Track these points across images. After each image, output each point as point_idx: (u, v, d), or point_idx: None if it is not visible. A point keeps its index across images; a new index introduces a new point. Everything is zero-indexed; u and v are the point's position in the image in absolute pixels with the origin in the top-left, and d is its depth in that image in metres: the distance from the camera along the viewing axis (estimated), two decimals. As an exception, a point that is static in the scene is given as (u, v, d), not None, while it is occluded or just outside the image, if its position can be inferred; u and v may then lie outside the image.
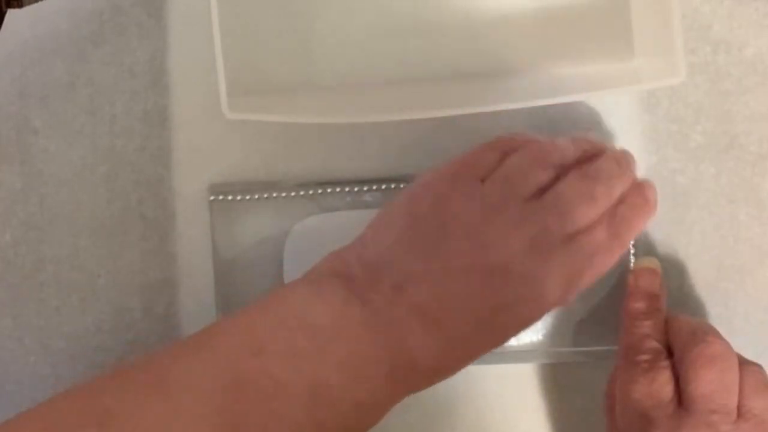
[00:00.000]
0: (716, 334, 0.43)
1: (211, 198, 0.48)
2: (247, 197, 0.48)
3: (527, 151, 0.42)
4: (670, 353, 0.44)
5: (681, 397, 0.41)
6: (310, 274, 0.42)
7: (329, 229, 0.48)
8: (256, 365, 0.38)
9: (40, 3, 0.49)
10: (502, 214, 0.40)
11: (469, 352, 0.40)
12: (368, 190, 0.48)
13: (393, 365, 0.39)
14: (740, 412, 0.41)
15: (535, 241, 0.39)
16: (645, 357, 0.43)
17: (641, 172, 0.49)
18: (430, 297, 0.39)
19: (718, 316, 0.49)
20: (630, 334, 0.45)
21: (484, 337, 0.40)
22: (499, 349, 0.41)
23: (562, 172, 0.42)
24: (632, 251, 0.48)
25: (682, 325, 0.44)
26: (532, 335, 0.49)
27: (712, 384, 0.41)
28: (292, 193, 0.48)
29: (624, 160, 0.44)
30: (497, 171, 0.42)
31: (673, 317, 0.45)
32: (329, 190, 0.48)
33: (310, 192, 0.48)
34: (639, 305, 0.45)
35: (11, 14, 0.49)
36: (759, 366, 0.43)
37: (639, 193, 0.43)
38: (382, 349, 0.39)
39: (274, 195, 0.48)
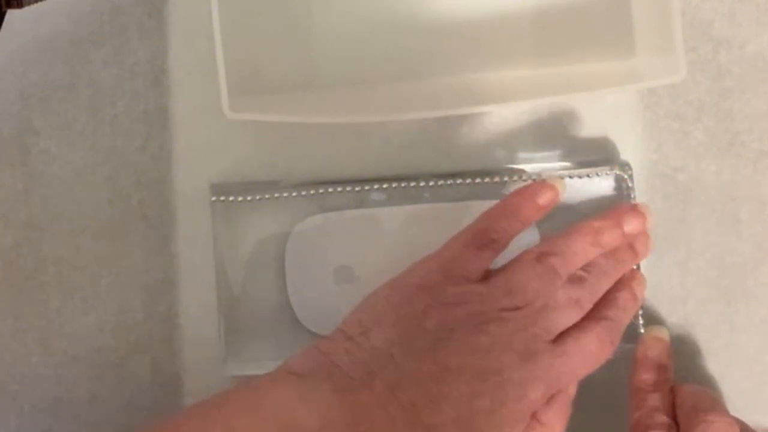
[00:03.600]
0: (717, 411, 0.43)
1: (213, 199, 0.48)
2: (248, 197, 0.48)
3: (536, 268, 0.42)
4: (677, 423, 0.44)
5: None
6: (293, 367, 0.41)
7: (330, 229, 0.48)
8: None
9: (40, 3, 0.49)
10: (498, 323, 0.40)
11: None
12: (369, 190, 0.48)
13: None
14: None
15: (524, 349, 0.40)
16: None
17: (642, 170, 0.49)
18: (422, 397, 0.39)
19: (719, 313, 0.49)
20: (639, 408, 0.45)
21: None
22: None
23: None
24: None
25: (685, 399, 0.44)
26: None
27: None
28: (293, 193, 0.48)
29: (635, 241, 0.45)
30: (499, 280, 0.42)
31: (677, 387, 0.45)
32: (330, 190, 0.48)
33: (311, 192, 0.48)
34: (647, 377, 0.45)
35: (11, 14, 0.49)
36: None
37: (626, 287, 0.44)
38: None
39: (275, 195, 0.48)
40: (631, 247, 0.45)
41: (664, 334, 0.47)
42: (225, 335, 0.48)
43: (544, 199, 0.44)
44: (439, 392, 0.39)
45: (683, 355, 0.49)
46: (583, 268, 0.43)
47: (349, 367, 0.40)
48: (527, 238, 0.47)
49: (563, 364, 0.41)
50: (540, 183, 0.45)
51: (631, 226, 0.45)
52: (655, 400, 0.45)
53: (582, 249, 0.43)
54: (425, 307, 0.41)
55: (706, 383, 0.49)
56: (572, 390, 0.43)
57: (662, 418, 0.44)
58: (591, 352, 0.42)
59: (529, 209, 0.44)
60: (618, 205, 0.46)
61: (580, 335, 0.42)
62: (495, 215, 0.44)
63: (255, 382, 0.41)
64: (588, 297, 0.43)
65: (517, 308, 0.41)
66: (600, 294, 0.43)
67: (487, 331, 0.40)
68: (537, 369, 0.40)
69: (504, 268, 0.43)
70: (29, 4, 0.50)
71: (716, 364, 0.49)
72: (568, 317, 0.42)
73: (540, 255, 0.43)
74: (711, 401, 0.44)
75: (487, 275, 0.43)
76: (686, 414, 0.43)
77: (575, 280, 0.42)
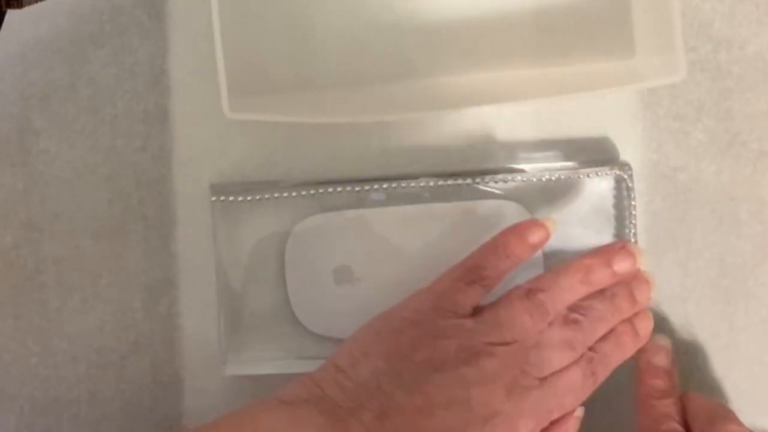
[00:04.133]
0: (733, 421, 0.43)
1: (213, 199, 0.48)
2: (248, 197, 0.48)
3: (525, 303, 0.43)
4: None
5: None
6: (284, 395, 0.42)
7: (330, 229, 0.48)
8: None
9: (40, 3, 0.49)
10: (487, 357, 0.41)
11: None
12: (369, 190, 0.48)
13: None
14: None
15: (513, 384, 0.41)
16: None
17: (642, 170, 0.49)
18: (409, 428, 0.40)
19: (719, 313, 0.49)
20: (648, 415, 0.45)
21: None
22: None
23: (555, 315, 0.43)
24: None
25: (698, 409, 0.44)
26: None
27: None
28: (293, 193, 0.48)
29: (636, 290, 0.45)
30: (488, 315, 0.43)
31: (690, 397, 0.45)
32: (330, 190, 0.48)
33: (311, 192, 0.48)
34: (656, 382, 0.46)
35: (11, 14, 0.49)
36: None
37: (629, 329, 0.45)
38: None
39: (275, 195, 0.48)
40: (631, 295, 0.45)
41: (665, 342, 0.47)
42: (225, 335, 0.48)
43: (534, 237, 0.45)
44: (426, 424, 0.40)
45: (683, 355, 0.49)
46: (579, 312, 0.43)
47: (339, 397, 0.41)
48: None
49: (551, 397, 0.42)
50: (531, 221, 0.46)
51: (620, 265, 0.45)
52: (665, 406, 0.45)
53: (571, 286, 0.44)
54: (415, 340, 0.42)
55: (706, 383, 0.49)
56: (572, 427, 0.43)
57: (673, 425, 0.44)
58: (576, 383, 0.42)
59: (519, 247, 0.45)
60: (609, 243, 0.47)
61: (565, 370, 0.42)
62: (486, 252, 0.45)
63: (248, 408, 0.41)
64: (581, 340, 0.43)
65: (506, 343, 0.42)
66: (594, 339, 0.44)
67: (475, 365, 0.41)
68: (526, 404, 0.41)
69: (493, 304, 0.43)
70: (29, 4, 0.50)
71: (716, 364, 0.49)
72: (560, 358, 0.42)
73: (529, 291, 0.43)
74: (725, 411, 0.44)
75: (478, 310, 0.43)
76: (702, 422, 0.43)
77: (570, 322, 0.43)
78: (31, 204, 0.49)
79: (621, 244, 0.46)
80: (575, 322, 0.43)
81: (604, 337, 0.44)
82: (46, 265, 0.49)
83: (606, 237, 0.49)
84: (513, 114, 0.49)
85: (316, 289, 0.48)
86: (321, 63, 0.48)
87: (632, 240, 0.48)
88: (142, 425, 0.49)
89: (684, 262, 0.49)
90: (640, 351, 0.47)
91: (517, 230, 0.45)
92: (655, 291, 0.46)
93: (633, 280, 0.45)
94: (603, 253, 0.46)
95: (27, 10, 0.49)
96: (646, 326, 0.45)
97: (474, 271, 0.44)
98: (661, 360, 0.46)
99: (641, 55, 0.47)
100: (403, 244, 0.48)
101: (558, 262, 0.48)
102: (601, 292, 0.45)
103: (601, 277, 0.45)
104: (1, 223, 0.49)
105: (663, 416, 0.44)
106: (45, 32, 0.49)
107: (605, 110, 0.49)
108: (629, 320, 0.45)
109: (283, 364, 0.48)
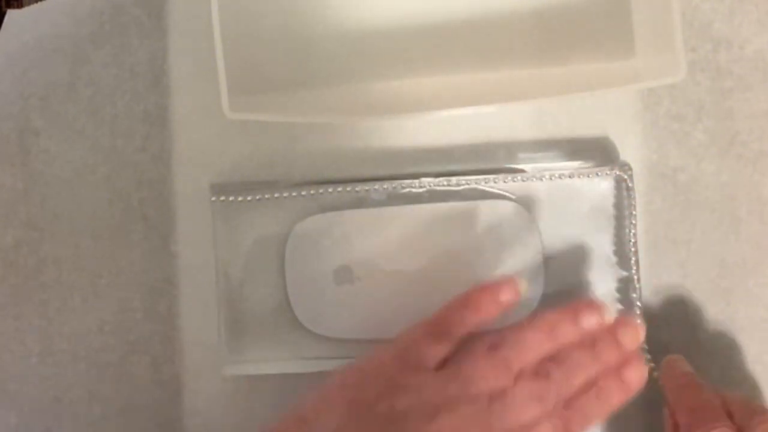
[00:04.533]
0: None
1: (213, 199, 0.48)
2: (248, 197, 0.48)
3: (488, 358, 0.42)
4: None
5: None
6: None
7: (330, 229, 0.48)
8: None
9: (40, 3, 0.49)
10: (447, 412, 0.40)
11: None
12: (369, 190, 0.48)
13: None
14: None
15: None
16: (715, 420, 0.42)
17: (642, 170, 0.49)
18: None
19: (719, 313, 0.49)
20: (692, 411, 0.44)
21: None
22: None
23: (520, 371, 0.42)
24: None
25: (736, 404, 0.43)
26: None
27: None
28: (293, 193, 0.48)
29: (622, 335, 0.43)
30: (452, 369, 0.42)
31: (724, 394, 0.45)
32: (330, 190, 0.48)
33: (311, 192, 0.48)
34: (689, 380, 0.45)
35: (11, 15, 0.49)
36: None
37: (614, 378, 0.42)
38: None
39: (275, 195, 0.48)
40: (614, 341, 0.43)
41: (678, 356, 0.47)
42: (225, 335, 0.48)
43: (505, 296, 0.44)
44: None
45: (683, 355, 0.49)
46: (555, 361, 0.42)
47: None
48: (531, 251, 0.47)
49: None
50: (504, 281, 0.44)
51: (587, 321, 0.43)
52: (711, 399, 0.44)
53: (535, 343, 0.42)
54: (378, 393, 0.41)
55: (707, 383, 0.49)
56: None
57: (726, 421, 0.43)
58: None
59: (489, 305, 0.44)
60: (577, 300, 0.45)
61: (535, 425, 0.41)
62: (455, 307, 0.44)
63: None
64: (554, 392, 0.41)
65: (468, 397, 0.41)
66: (570, 390, 0.42)
67: (437, 420, 0.40)
68: None
69: (457, 358, 0.42)
70: (29, 4, 0.50)
71: (716, 364, 0.49)
72: (527, 413, 0.41)
73: (492, 346, 0.42)
74: (761, 407, 0.44)
75: (443, 364, 0.43)
76: (740, 418, 0.43)
77: (540, 374, 0.42)
78: (31, 204, 0.49)
79: (587, 301, 0.44)
80: (546, 375, 0.42)
81: (583, 391, 0.42)
82: (46, 265, 0.49)
83: (606, 237, 0.49)
84: (513, 114, 0.49)
85: (316, 289, 0.48)
86: (320, 63, 0.48)
87: (632, 240, 0.48)
88: (142, 425, 0.49)
89: (684, 262, 0.49)
90: (660, 368, 0.46)
91: (489, 289, 0.44)
92: (643, 336, 0.44)
93: (619, 325, 0.44)
94: (569, 309, 0.44)
95: (27, 10, 0.49)
96: (634, 375, 0.43)
97: (443, 325, 0.43)
98: (682, 365, 0.46)
99: (641, 55, 0.47)
100: (402, 244, 0.48)
101: (558, 264, 0.48)
102: (580, 340, 0.43)
103: (566, 333, 0.43)
104: (1, 223, 0.49)
105: (711, 409, 0.43)
106: (45, 32, 0.49)
107: (605, 110, 0.49)
108: (616, 369, 0.43)
109: (283, 364, 0.48)
